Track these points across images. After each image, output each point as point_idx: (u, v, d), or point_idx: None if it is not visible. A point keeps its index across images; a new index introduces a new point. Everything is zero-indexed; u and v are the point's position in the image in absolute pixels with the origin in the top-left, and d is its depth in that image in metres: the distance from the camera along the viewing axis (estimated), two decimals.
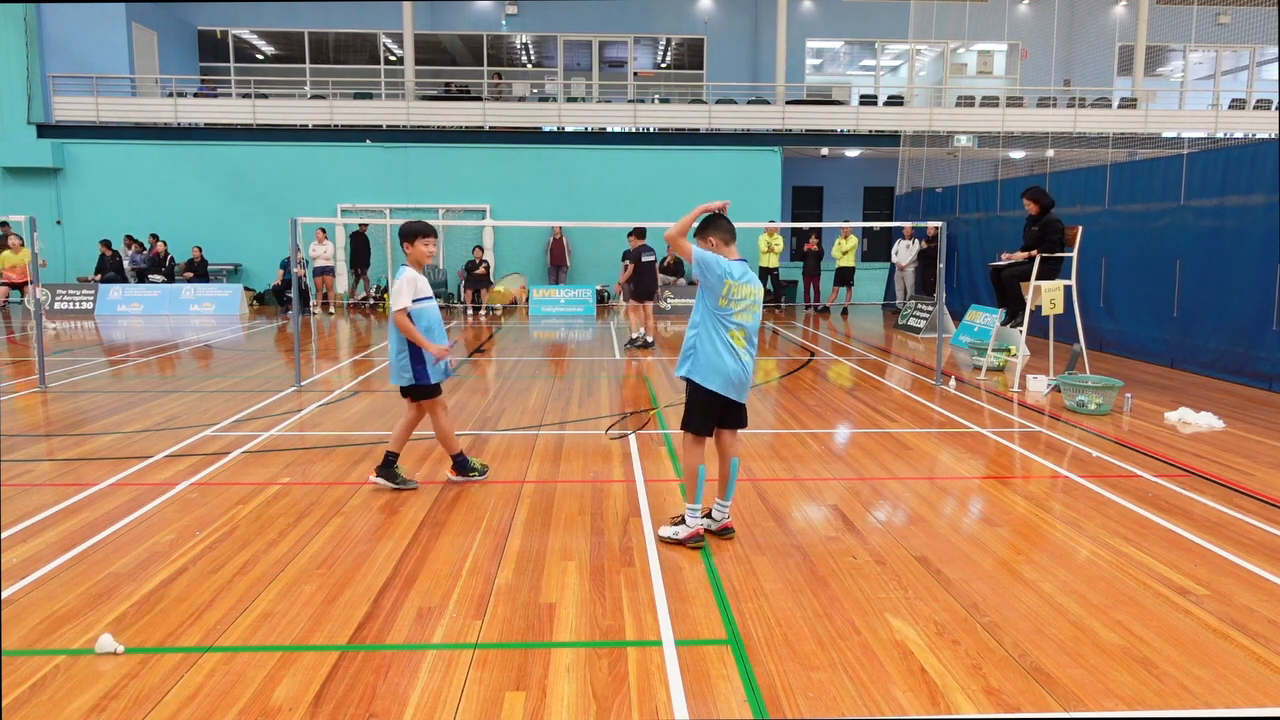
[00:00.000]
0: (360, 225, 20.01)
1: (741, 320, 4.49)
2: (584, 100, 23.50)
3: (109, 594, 3.96)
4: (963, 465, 6.34)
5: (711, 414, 4.58)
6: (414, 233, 5.44)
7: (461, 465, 5.76)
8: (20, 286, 16.48)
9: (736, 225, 4.74)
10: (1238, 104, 24.22)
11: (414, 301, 5.37)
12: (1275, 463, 6.33)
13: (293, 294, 9.75)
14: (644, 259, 12.91)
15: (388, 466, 5.58)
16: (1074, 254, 9.32)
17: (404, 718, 2.97)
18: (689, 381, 4.57)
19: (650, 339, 12.99)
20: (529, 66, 26.29)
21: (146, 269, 19.84)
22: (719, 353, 4.45)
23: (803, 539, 4.71)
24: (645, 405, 8.60)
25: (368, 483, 5.63)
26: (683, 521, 4.58)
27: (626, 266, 13.03)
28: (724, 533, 4.72)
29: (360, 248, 20.05)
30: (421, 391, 5.50)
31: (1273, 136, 21.64)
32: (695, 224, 4.58)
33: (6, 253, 16.13)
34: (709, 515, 4.81)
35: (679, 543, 4.53)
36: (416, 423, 5.62)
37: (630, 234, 13.03)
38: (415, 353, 5.38)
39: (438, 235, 5.60)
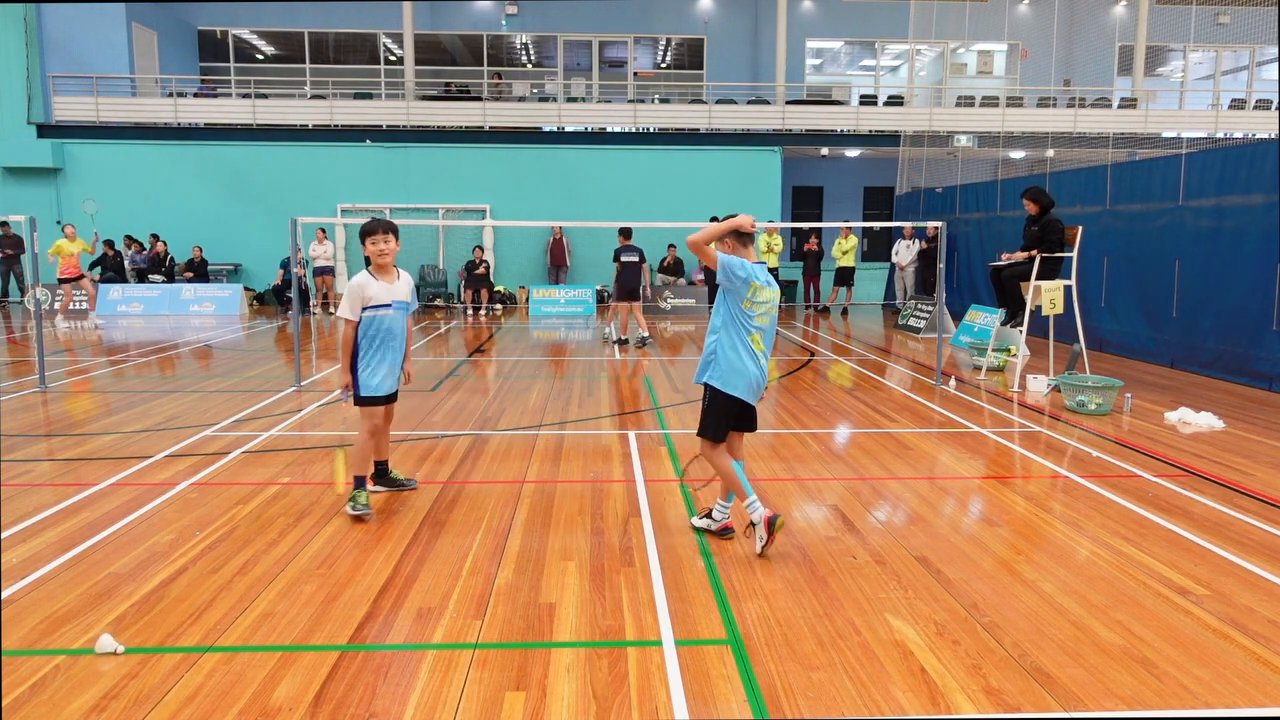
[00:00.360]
0: None
1: (760, 324, 4.45)
2: (584, 100, 23.51)
3: (109, 594, 3.96)
4: (963, 465, 6.34)
5: (730, 419, 4.53)
6: (362, 232, 5.07)
7: (356, 483, 5.12)
8: (74, 280, 16.31)
9: None
10: (1238, 104, 24.22)
11: (365, 310, 5.01)
12: (1275, 463, 6.33)
13: (293, 294, 9.75)
14: (623, 259, 13.03)
15: (381, 475, 5.50)
16: (1074, 254, 9.32)
17: (404, 718, 2.97)
18: (709, 387, 4.49)
19: (646, 335, 13.10)
20: (529, 66, 26.30)
21: (146, 269, 19.83)
22: (741, 357, 4.41)
23: (803, 539, 4.71)
24: (648, 406, 8.60)
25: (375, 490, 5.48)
26: (753, 524, 4.44)
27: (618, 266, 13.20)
28: (724, 533, 4.72)
29: None
30: (358, 400, 5.15)
31: (1273, 136, 21.64)
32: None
33: (62, 240, 16.02)
34: (709, 515, 4.82)
35: (768, 541, 4.35)
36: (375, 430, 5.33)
37: (619, 234, 13.19)
38: (354, 360, 5.11)
39: (390, 231, 5.01)
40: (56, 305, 17.64)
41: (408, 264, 20.10)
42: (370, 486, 5.51)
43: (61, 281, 16.28)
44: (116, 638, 3.47)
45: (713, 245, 4.42)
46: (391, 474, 5.58)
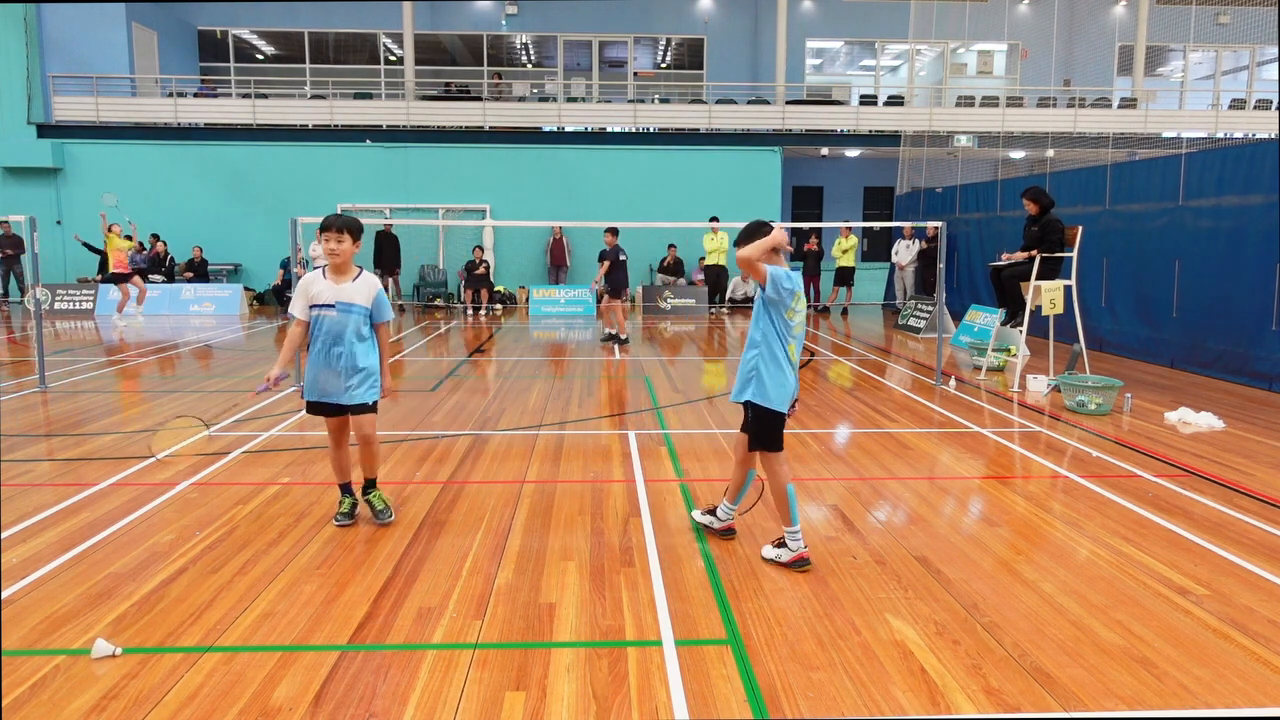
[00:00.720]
0: (385, 225, 19.74)
1: (797, 333, 4.42)
2: (584, 100, 23.51)
3: (109, 594, 3.96)
4: (963, 465, 6.34)
5: (782, 427, 4.45)
6: (319, 229, 4.72)
7: (343, 489, 4.96)
8: (127, 278, 16.24)
9: (737, 226, 4.69)
10: (1238, 104, 24.22)
11: (312, 308, 4.72)
12: (1275, 463, 6.33)
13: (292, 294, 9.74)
14: (620, 257, 13.36)
15: (364, 489, 5.01)
16: (1074, 254, 9.32)
17: (404, 718, 2.97)
18: (753, 405, 4.37)
19: (619, 331, 13.55)
20: (529, 66, 26.30)
21: (147, 269, 19.82)
22: (783, 370, 4.35)
23: (803, 539, 4.70)
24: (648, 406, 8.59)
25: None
26: (784, 544, 4.37)
27: (605, 264, 13.31)
28: (726, 533, 4.72)
29: (387, 248, 19.57)
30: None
31: (1273, 136, 21.64)
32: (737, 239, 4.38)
33: (111, 236, 16.04)
34: (713, 513, 4.77)
35: (783, 565, 4.32)
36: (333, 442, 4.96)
37: (606, 232, 13.43)
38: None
39: (346, 230, 4.66)
40: (114, 301, 17.58)
41: (407, 264, 20.22)
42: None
43: (115, 279, 16.25)
44: (117, 638, 3.48)
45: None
46: (372, 496, 4.98)
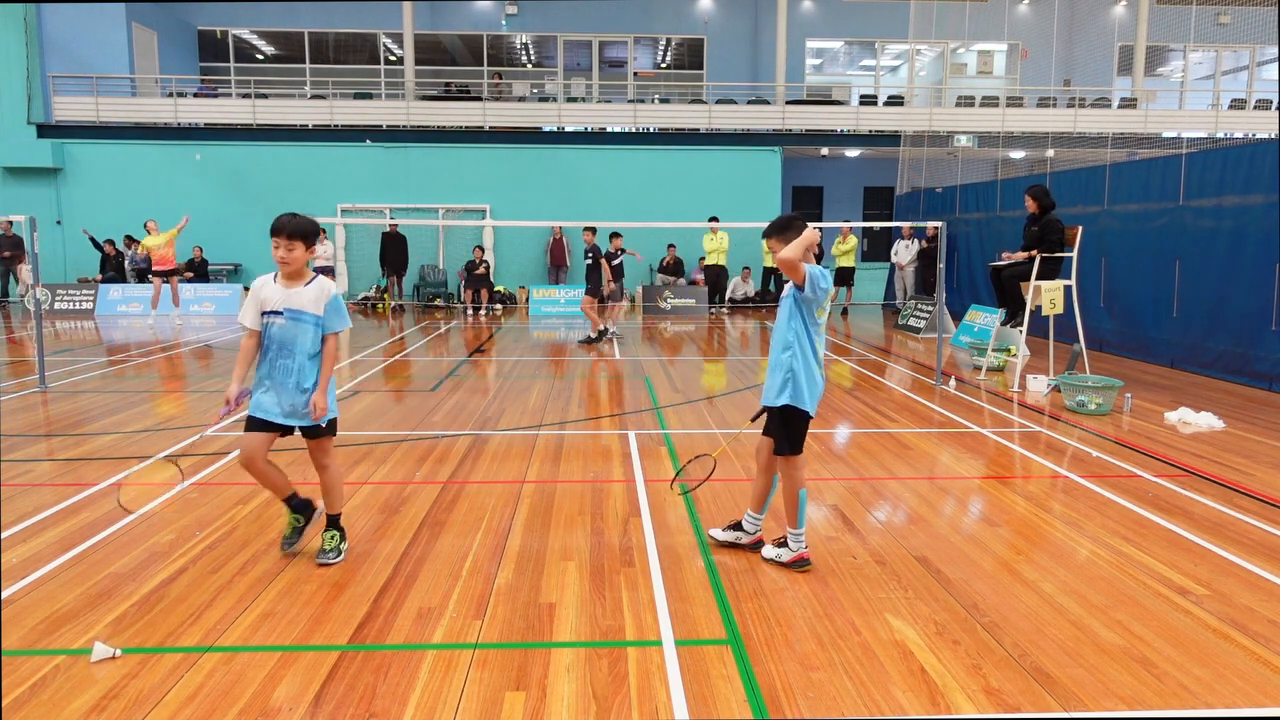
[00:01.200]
0: (390, 225, 19.73)
1: (823, 330, 4.40)
2: (584, 100, 23.51)
3: (109, 594, 3.96)
4: (963, 465, 6.34)
5: (807, 429, 4.41)
6: (270, 231, 4.27)
7: (305, 509, 4.51)
8: (169, 275, 16.26)
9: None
10: (1238, 104, 24.22)
11: (263, 315, 4.25)
12: (1275, 463, 6.33)
13: None
14: (599, 258, 13.45)
15: (329, 524, 4.51)
16: (1074, 254, 9.32)
17: (404, 718, 2.97)
18: (789, 409, 4.28)
19: (595, 333, 13.71)
20: (529, 66, 26.30)
21: (146, 269, 19.82)
22: (813, 371, 4.29)
23: (805, 540, 4.70)
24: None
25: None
26: (785, 544, 4.35)
27: (602, 263, 13.31)
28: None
29: (393, 249, 19.52)
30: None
31: (1273, 136, 21.64)
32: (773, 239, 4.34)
33: (148, 237, 16.11)
34: (739, 526, 4.60)
35: (783, 565, 4.30)
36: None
37: (586, 231, 13.43)
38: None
39: (298, 237, 4.19)
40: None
41: (408, 264, 20.22)
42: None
43: (154, 274, 16.20)
44: (116, 638, 3.48)
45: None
46: (324, 534, 4.43)
